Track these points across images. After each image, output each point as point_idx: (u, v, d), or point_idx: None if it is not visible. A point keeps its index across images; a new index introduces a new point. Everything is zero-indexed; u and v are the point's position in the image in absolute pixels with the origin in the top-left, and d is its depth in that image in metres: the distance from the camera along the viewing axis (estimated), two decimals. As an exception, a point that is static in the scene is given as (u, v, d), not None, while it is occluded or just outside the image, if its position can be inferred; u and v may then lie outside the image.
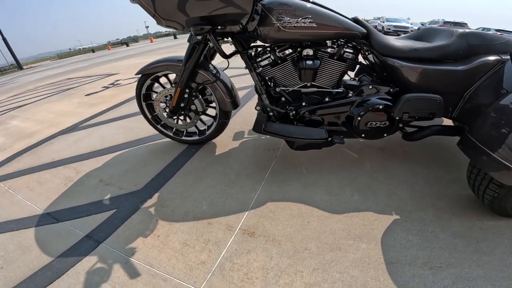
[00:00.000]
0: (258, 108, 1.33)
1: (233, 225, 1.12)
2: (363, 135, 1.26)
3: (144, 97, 1.67)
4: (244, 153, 1.65)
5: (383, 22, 15.32)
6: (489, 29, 14.78)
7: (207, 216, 1.17)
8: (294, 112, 1.30)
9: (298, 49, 1.22)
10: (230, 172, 1.46)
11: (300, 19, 1.09)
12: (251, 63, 1.29)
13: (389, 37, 1.22)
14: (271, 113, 1.35)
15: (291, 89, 1.31)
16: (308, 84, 1.27)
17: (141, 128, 2.17)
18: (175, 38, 27.08)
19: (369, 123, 1.22)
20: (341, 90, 1.29)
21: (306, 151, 1.54)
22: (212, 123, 1.66)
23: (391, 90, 1.23)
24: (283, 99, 1.34)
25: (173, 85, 1.51)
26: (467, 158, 1.01)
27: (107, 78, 5.25)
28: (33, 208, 1.37)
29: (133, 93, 3.30)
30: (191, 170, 1.52)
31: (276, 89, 1.32)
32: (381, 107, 1.18)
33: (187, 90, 1.49)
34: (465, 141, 0.98)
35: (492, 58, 1.07)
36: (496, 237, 0.95)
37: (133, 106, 2.76)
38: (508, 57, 1.05)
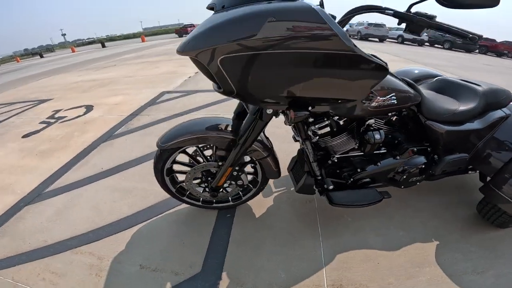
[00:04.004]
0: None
1: (320, 284, 1.28)
2: (402, 187, 1.52)
3: (167, 171, 1.53)
4: (283, 210, 1.74)
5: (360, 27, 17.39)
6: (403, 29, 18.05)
7: (291, 283, 1.29)
8: (352, 178, 1.41)
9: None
10: (283, 233, 1.56)
11: (387, 96, 1.17)
12: (305, 132, 1.29)
13: (432, 100, 1.37)
14: (318, 177, 1.41)
15: (344, 155, 1.39)
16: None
17: (144, 189, 2.01)
18: (104, 46, 24.87)
19: (410, 179, 1.48)
20: (385, 151, 1.43)
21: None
22: (249, 188, 1.67)
23: (428, 149, 1.46)
24: (329, 162, 1.42)
25: (212, 160, 1.45)
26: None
27: (39, 108, 4.44)
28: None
29: (93, 132, 3.01)
30: (241, 240, 1.54)
31: (333, 158, 1.37)
32: (423, 166, 1.43)
33: (236, 167, 1.44)
34: (488, 191, 1.40)
35: (500, 113, 1.40)
36: (500, 243, 1.43)
37: (109, 155, 2.50)
38: (509, 112, 1.41)
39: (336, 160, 1.39)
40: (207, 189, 1.56)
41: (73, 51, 23.76)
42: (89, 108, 4.05)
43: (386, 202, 1.63)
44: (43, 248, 1.59)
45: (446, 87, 1.56)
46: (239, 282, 1.32)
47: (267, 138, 1.49)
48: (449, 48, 16.82)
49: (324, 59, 0.93)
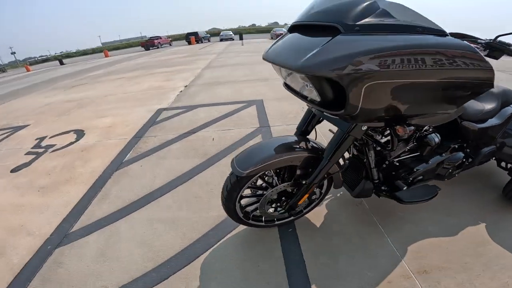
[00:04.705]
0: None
1: (406, 274, 1.35)
2: (446, 179, 1.64)
3: (240, 197, 1.45)
4: (339, 215, 1.77)
5: None
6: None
7: (380, 279, 1.34)
8: (411, 178, 1.50)
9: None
10: (350, 237, 1.60)
11: None
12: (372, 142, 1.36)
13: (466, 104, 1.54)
14: (376, 180, 1.49)
15: (404, 158, 1.51)
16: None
17: (188, 218, 1.86)
18: (62, 63, 23.38)
19: (453, 172, 1.62)
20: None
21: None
22: (312, 201, 1.65)
23: (464, 145, 1.63)
24: (384, 165, 1.50)
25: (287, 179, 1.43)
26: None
27: (17, 136, 3.98)
28: None
29: (98, 161, 2.70)
30: (314, 251, 1.53)
31: (395, 163, 1.48)
32: (464, 160, 1.60)
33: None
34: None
35: (511, 109, 1.65)
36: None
37: (129, 184, 2.26)
38: None
39: (396, 164, 1.49)
40: (278, 209, 1.54)
41: (28, 70, 21.91)
42: (79, 134, 3.71)
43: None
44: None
45: None
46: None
47: None
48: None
49: (463, 85, 1.09)
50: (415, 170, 1.48)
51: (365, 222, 1.68)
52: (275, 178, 1.46)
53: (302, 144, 1.40)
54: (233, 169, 1.31)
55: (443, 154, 1.56)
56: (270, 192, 1.44)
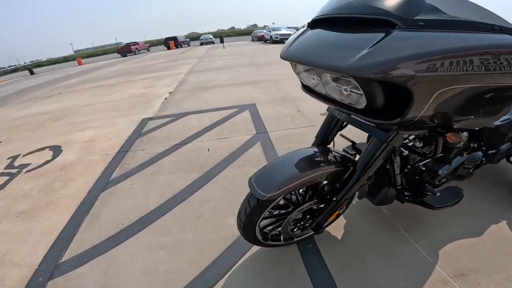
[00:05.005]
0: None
1: (443, 279, 1.29)
2: (465, 179, 1.58)
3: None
4: (359, 224, 1.66)
5: (270, 31, 17.62)
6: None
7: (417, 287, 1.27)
8: (436, 182, 1.42)
9: None
10: (375, 246, 1.50)
11: None
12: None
13: None
14: (399, 186, 1.39)
15: (428, 162, 1.42)
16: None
17: (194, 241, 1.65)
18: (32, 73, 21.90)
19: (473, 171, 1.57)
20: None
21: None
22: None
23: (482, 143, 1.59)
24: (405, 170, 1.41)
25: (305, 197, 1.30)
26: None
27: None
28: None
29: (81, 180, 2.40)
30: (340, 265, 1.42)
31: (421, 167, 1.40)
32: (483, 159, 1.56)
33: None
34: None
35: None
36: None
37: (120, 206, 1.99)
38: None
39: (422, 168, 1.42)
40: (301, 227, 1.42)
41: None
42: (56, 150, 3.35)
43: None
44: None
45: None
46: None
47: None
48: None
49: None
50: (439, 173, 1.41)
51: (388, 229, 1.59)
52: (299, 196, 1.30)
53: (328, 156, 1.24)
54: (252, 190, 1.13)
55: (464, 154, 1.50)
56: (297, 212, 1.29)
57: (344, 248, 1.51)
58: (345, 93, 0.93)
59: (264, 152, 2.64)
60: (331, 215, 1.30)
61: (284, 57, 1.04)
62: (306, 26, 1.11)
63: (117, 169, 2.64)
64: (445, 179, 1.51)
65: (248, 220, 1.22)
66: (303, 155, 1.24)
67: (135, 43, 28.19)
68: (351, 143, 1.55)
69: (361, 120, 1.13)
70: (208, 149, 2.80)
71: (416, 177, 1.43)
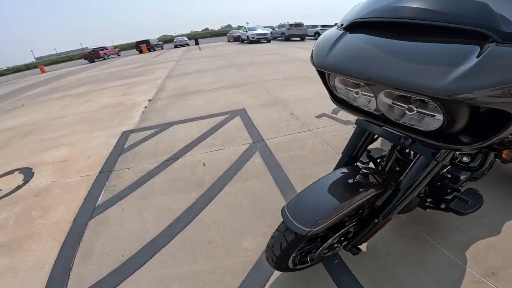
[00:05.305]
0: None
1: (476, 279, 1.29)
2: (478, 181, 1.55)
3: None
4: (381, 233, 1.52)
5: (246, 31, 17.43)
6: (316, 26, 19.91)
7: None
8: (459, 187, 1.36)
9: None
10: (402, 254, 1.46)
11: None
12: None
13: None
14: (422, 194, 1.36)
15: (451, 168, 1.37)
16: None
17: (209, 271, 1.44)
18: None
19: (485, 172, 1.51)
20: None
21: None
22: None
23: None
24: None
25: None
26: None
27: None
28: None
29: (62, 207, 2.10)
30: (372, 278, 1.35)
31: (445, 174, 1.35)
32: (495, 159, 1.52)
33: None
34: None
35: None
36: None
37: (115, 235, 1.72)
38: None
39: (447, 175, 1.38)
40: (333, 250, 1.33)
41: None
42: (27, 173, 2.94)
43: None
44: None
45: None
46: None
47: None
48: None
49: None
50: (461, 178, 1.36)
51: (410, 236, 1.56)
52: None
53: (366, 177, 1.10)
54: (290, 225, 0.98)
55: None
56: (332, 238, 1.16)
57: (372, 261, 1.44)
58: (409, 113, 0.79)
59: (265, 163, 2.47)
60: (370, 236, 1.19)
61: (323, 66, 0.88)
62: (339, 28, 0.96)
63: (102, 193, 2.35)
64: (465, 183, 1.45)
65: (284, 255, 1.09)
66: (338, 179, 1.10)
67: (104, 48, 26.78)
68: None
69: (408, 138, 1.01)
70: (204, 164, 2.58)
71: (438, 184, 1.37)
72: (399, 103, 0.80)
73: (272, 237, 1.13)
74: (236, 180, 2.26)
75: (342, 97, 1.03)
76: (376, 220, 1.11)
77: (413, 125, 0.82)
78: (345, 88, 0.95)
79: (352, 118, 3.35)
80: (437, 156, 0.96)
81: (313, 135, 2.95)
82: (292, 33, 19.87)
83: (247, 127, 3.36)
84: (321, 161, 2.42)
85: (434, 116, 0.74)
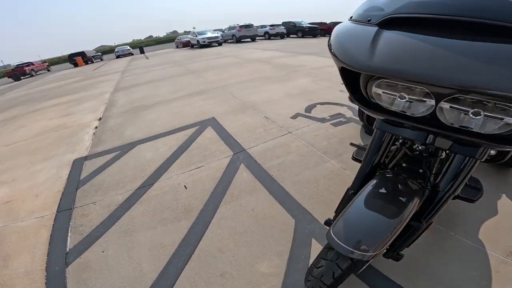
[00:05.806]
0: None
1: (502, 260, 1.34)
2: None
3: None
4: None
5: (196, 36, 16.87)
6: (265, 26, 20.26)
7: (486, 274, 1.30)
8: None
9: None
10: (426, 249, 1.46)
11: None
12: None
13: None
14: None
15: None
16: None
17: None
18: None
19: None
20: None
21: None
22: None
23: None
24: None
25: None
26: None
27: None
28: None
29: (26, 257, 1.69)
30: (409, 278, 1.34)
31: None
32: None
33: None
34: None
35: None
36: None
37: (104, 283, 1.46)
38: None
39: None
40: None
41: None
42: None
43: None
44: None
45: None
46: None
47: None
48: (302, 36, 19.90)
49: None
50: None
51: (433, 232, 1.55)
52: None
53: (405, 185, 1.04)
54: (341, 250, 0.88)
55: None
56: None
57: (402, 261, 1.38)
58: (474, 117, 0.74)
59: (254, 175, 2.30)
60: (413, 241, 1.12)
61: (368, 69, 0.77)
62: (365, 24, 0.84)
63: (70, 234, 1.93)
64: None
65: (337, 282, 1.01)
66: (378, 193, 1.01)
67: (30, 63, 23.57)
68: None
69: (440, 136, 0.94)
70: (185, 186, 2.29)
71: None
72: (461, 107, 0.73)
73: (318, 267, 1.01)
74: (228, 200, 2.04)
75: (377, 101, 0.92)
76: (422, 223, 1.05)
77: (471, 127, 0.77)
78: (383, 92, 0.84)
79: (326, 115, 3.36)
80: (478, 155, 0.93)
81: (295, 138, 2.87)
82: (243, 35, 20.01)
83: (223, 137, 3.14)
84: (312, 165, 2.34)
85: (503, 119, 0.70)
